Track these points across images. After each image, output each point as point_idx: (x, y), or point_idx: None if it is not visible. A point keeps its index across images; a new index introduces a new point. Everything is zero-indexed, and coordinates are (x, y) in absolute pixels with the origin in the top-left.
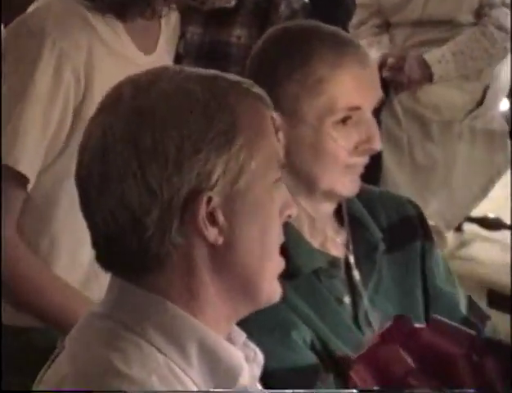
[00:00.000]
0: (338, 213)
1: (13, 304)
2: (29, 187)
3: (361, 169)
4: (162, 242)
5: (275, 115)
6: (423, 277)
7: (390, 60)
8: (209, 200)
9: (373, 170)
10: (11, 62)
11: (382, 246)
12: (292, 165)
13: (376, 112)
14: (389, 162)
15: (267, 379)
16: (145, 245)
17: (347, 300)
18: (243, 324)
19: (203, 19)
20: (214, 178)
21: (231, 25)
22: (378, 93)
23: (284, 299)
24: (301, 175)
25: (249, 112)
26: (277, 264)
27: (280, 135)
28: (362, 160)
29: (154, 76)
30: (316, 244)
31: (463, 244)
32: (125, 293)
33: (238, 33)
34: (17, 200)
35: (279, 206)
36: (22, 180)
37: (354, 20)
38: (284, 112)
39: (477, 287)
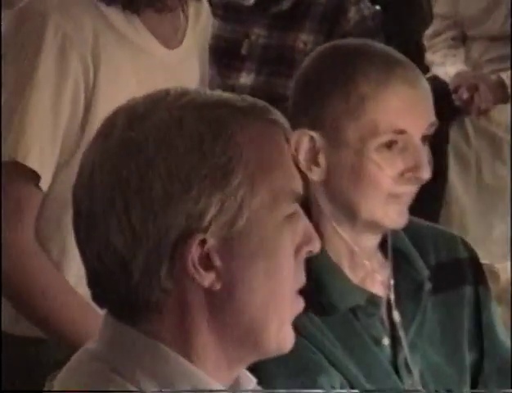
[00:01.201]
0: (383, 247)
1: (26, 317)
2: (45, 185)
3: (408, 200)
4: (150, 288)
5: (315, 135)
6: (476, 326)
7: (462, 91)
8: (203, 242)
9: (438, 189)
10: (12, 49)
11: (428, 286)
12: (332, 191)
13: (445, 127)
14: (455, 180)
15: None
16: (133, 290)
17: (386, 341)
18: (264, 365)
19: (269, 21)
20: (207, 218)
21: (298, 30)
22: (428, 118)
23: (312, 338)
24: (341, 202)
25: (253, 142)
26: (289, 309)
27: (321, 157)
28: (409, 190)
29: (153, 103)
30: (355, 279)
31: None
32: (118, 333)
33: (305, 39)
34: (31, 200)
35: (294, 244)
36: (34, 177)
37: (429, 31)
38: (326, 132)
39: None
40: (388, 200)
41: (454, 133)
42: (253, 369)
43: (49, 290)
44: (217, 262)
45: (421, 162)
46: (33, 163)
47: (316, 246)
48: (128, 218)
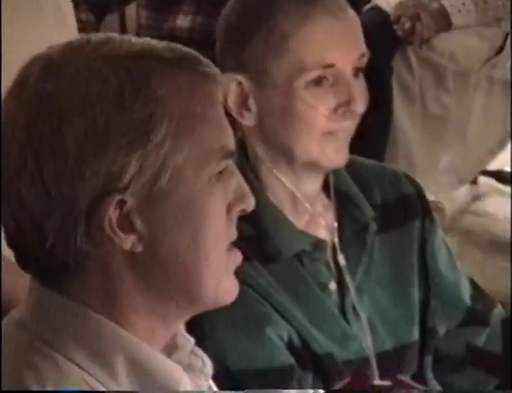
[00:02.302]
0: (326, 189)
1: None
2: None
3: (346, 137)
4: (66, 250)
5: (242, 78)
6: (422, 261)
7: (403, 20)
8: (122, 203)
9: (382, 120)
10: None
11: (373, 226)
12: (266, 134)
13: (388, 58)
14: (400, 112)
15: (235, 380)
16: (48, 252)
17: (332, 286)
18: (207, 319)
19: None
20: (126, 177)
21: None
22: (357, 49)
23: (258, 287)
24: (276, 145)
25: (178, 95)
26: (223, 264)
27: (251, 101)
28: (345, 126)
29: (71, 53)
30: (299, 224)
31: (476, 198)
32: (42, 299)
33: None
34: None
35: (226, 202)
36: None
37: None
38: (252, 75)
39: (489, 243)
40: (323, 138)
41: (397, 64)
42: (195, 323)
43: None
44: (138, 223)
45: (354, 96)
46: None
47: (249, 205)
48: (40, 176)
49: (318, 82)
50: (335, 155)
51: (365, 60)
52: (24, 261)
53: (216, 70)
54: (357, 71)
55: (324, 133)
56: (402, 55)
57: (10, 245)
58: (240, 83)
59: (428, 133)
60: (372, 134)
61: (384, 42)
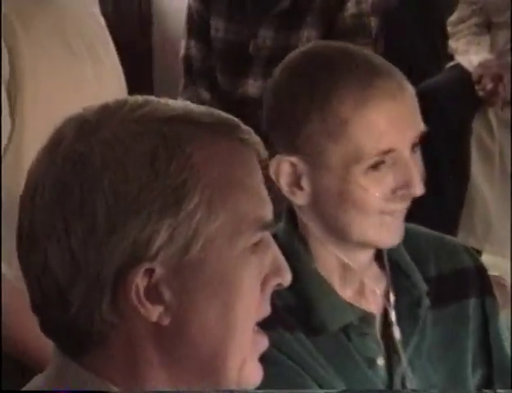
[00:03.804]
0: (379, 258)
1: None
2: None
3: (402, 215)
4: (90, 319)
5: (295, 159)
6: (483, 342)
7: (485, 81)
8: (150, 272)
9: (459, 181)
10: None
11: (427, 301)
12: (320, 214)
13: (467, 119)
14: (478, 173)
15: None
16: (72, 320)
17: (380, 362)
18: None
19: (273, 22)
20: (155, 246)
21: (301, 27)
22: (416, 129)
23: (302, 361)
24: (330, 225)
25: (214, 162)
26: (250, 346)
27: (304, 181)
28: (402, 207)
29: (106, 114)
30: (348, 295)
31: None
32: (62, 368)
33: (307, 35)
34: None
35: (261, 276)
36: None
37: (454, 17)
38: (306, 156)
39: None
40: (380, 219)
41: (477, 125)
42: None
43: (9, 308)
44: (167, 294)
45: (412, 178)
46: None
47: (286, 279)
48: (67, 240)
49: (376, 166)
50: (391, 236)
51: (423, 134)
52: (47, 327)
53: (256, 138)
54: (414, 147)
55: (381, 213)
56: (483, 116)
57: (34, 309)
58: (293, 164)
59: (506, 197)
60: (449, 195)
61: (464, 102)
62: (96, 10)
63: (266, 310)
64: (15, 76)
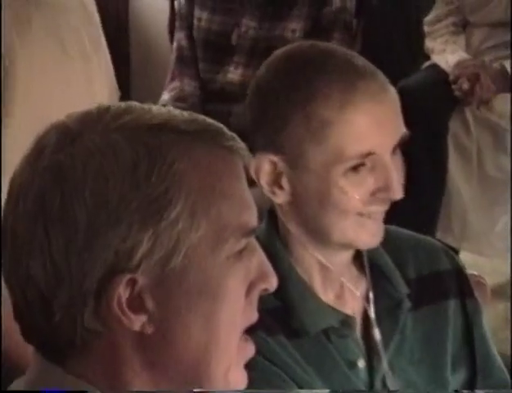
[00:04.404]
0: (357, 260)
1: None
2: None
3: (381, 217)
4: (73, 328)
5: (276, 159)
6: (466, 343)
7: (462, 81)
8: (133, 282)
9: (437, 182)
10: None
11: (407, 304)
12: (300, 214)
13: (444, 118)
14: (456, 172)
15: None
16: (55, 328)
17: (361, 364)
18: None
19: (258, 11)
20: (137, 256)
21: (287, 19)
22: (397, 133)
23: (283, 364)
24: (309, 226)
25: (196, 170)
26: (235, 352)
27: (284, 181)
28: (380, 209)
29: (88, 122)
30: (329, 297)
31: None
32: (44, 372)
33: (293, 27)
34: None
35: (247, 282)
36: None
37: (430, 16)
38: (287, 156)
39: None
40: (359, 220)
41: (454, 124)
42: None
43: None
44: (150, 304)
45: (392, 182)
46: None
47: (272, 284)
48: (48, 249)
49: (356, 169)
50: (370, 237)
51: (404, 137)
52: (29, 334)
53: (240, 144)
54: (394, 149)
55: (360, 215)
56: (460, 115)
57: (16, 317)
58: (273, 163)
59: (484, 195)
60: (426, 194)
61: (441, 101)
62: (93, 8)
63: (253, 316)
64: (8, 78)
